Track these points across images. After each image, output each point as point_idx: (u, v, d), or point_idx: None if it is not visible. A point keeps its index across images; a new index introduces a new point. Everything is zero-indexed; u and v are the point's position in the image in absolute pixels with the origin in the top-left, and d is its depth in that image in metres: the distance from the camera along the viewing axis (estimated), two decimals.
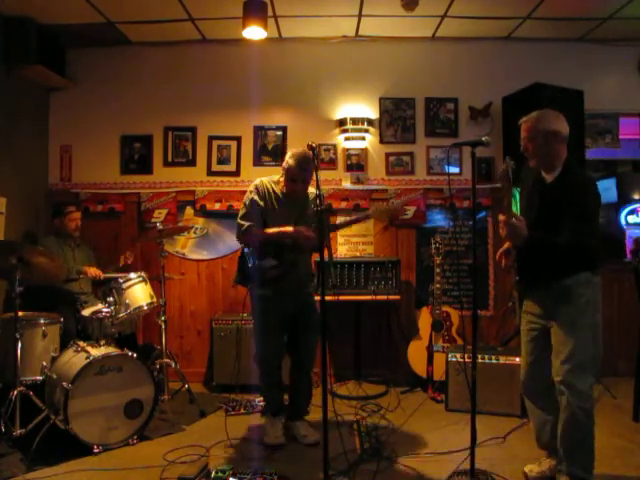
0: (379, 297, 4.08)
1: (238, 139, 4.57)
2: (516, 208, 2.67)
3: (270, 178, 3.14)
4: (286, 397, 3.29)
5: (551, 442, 2.58)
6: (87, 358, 3.01)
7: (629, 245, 4.56)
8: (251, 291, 3.12)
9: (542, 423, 2.60)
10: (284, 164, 3.03)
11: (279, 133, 4.57)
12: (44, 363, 3.20)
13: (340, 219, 4.16)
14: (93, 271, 3.86)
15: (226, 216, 4.52)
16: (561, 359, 2.40)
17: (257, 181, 3.11)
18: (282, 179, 3.07)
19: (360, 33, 4.44)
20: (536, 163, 2.53)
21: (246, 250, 3.08)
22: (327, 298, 2.41)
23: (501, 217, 2.43)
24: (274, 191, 3.08)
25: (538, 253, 2.45)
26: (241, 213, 3.06)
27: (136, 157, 4.58)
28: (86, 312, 3.54)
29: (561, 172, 2.47)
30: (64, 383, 2.90)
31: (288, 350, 3.21)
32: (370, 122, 4.52)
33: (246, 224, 2.99)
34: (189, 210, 4.57)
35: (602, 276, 2.49)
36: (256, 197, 3.03)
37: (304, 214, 3.06)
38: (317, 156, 2.65)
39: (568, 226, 2.35)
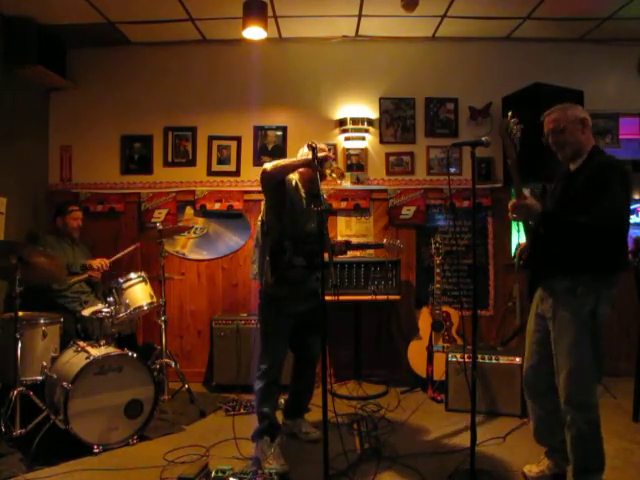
0: (379, 297, 4.08)
1: (238, 139, 4.57)
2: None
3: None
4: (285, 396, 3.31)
5: (549, 441, 2.59)
6: (87, 358, 3.01)
7: (629, 245, 4.56)
8: (263, 291, 2.96)
9: (541, 423, 2.59)
10: (305, 150, 2.89)
11: (279, 133, 4.57)
12: (44, 363, 3.20)
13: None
14: (98, 262, 3.86)
15: (226, 216, 4.54)
16: (564, 375, 2.35)
17: None
18: (301, 170, 2.94)
19: (360, 33, 4.44)
20: (567, 153, 2.44)
21: (260, 244, 2.96)
22: (327, 298, 2.41)
23: (510, 203, 2.38)
24: (297, 186, 2.95)
25: (552, 236, 2.37)
26: None
27: (136, 157, 4.58)
28: (86, 312, 3.54)
29: (586, 158, 2.40)
30: (64, 383, 2.90)
31: (296, 348, 3.15)
32: (370, 122, 4.52)
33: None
34: (189, 210, 4.57)
35: None
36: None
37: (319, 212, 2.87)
38: (317, 156, 2.64)
39: (591, 207, 2.24)
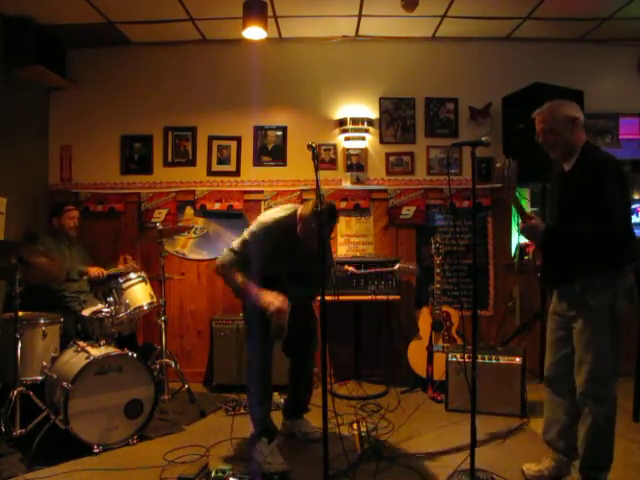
0: (379, 297, 4.08)
1: (238, 139, 4.57)
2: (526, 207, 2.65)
3: (287, 214, 2.84)
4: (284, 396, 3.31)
5: (556, 443, 2.58)
6: (87, 358, 3.01)
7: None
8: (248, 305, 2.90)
9: (553, 420, 2.58)
10: (300, 214, 2.77)
11: (279, 133, 4.57)
12: (44, 363, 3.20)
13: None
14: (95, 270, 3.87)
15: (226, 216, 4.54)
16: (584, 370, 2.36)
17: (271, 221, 2.81)
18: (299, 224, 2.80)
19: (360, 33, 4.44)
20: (558, 153, 2.45)
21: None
22: (327, 298, 2.40)
23: (520, 226, 2.41)
24: (293, 232, 2.78)
25: (561, 247, 2.38)
26: (238, 240, 2.82)
27: (136, 157, 4.58)
28: (86, 312, 3.54)
29: (579, 157, 2.39)
30: (64, 383, 2.90)
31: (290, 352, 3.17)
32: (370, 122, 4.52)
33: (232, 258, 2.75)
34: (189, 210, 4.57)
35: None
36: (268, 237, 2.75)
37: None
38: (317, 156, 2.64)
39: (591, 212, 2.25)
